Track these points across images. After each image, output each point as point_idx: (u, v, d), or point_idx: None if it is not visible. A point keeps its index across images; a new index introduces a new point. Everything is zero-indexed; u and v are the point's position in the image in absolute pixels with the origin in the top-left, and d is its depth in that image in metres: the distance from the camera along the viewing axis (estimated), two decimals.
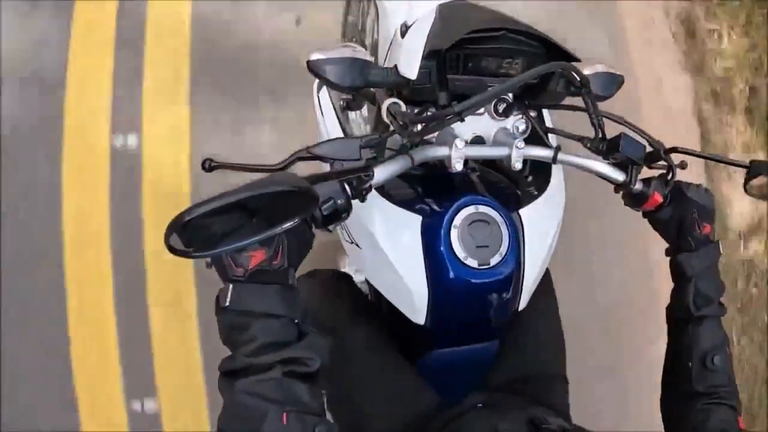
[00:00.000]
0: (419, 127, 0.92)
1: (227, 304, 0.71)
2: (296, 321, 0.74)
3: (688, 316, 0.97)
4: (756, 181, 1.00)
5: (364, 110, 1.50)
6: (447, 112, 0.88)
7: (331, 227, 0.84)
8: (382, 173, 0.87)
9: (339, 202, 0.81)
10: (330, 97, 1.29)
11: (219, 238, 0.67)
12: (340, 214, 0.82)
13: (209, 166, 0.75)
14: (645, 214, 1.05)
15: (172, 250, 0.64)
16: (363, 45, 1.66)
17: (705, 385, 0.93)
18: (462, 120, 0.91)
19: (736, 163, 1.02)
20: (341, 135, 1.17)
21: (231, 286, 0.71)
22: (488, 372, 1.16)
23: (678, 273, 1.00)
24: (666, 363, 1.00)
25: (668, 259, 1.03)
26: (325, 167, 0.87)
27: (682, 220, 0.99)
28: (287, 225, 0.67)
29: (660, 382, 1.03)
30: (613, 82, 1.08)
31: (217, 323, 0.72)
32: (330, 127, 1.25)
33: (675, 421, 0.95)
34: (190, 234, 0.66)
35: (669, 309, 1.01)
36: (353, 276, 1.36)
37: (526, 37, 1.00)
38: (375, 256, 1.07)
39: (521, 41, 1.02)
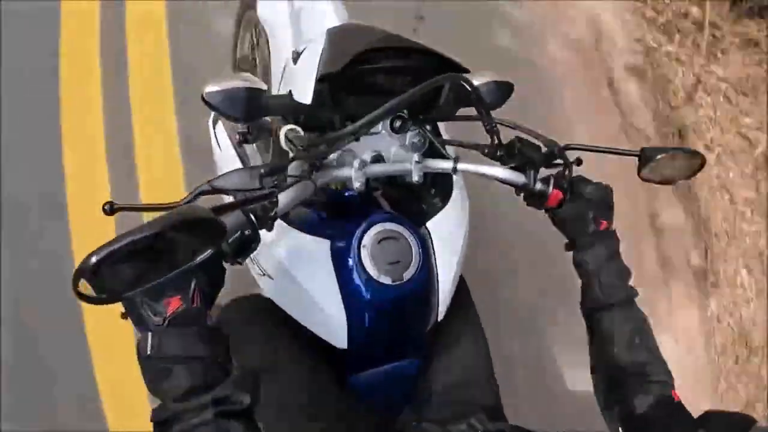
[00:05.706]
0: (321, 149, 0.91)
1: (149, 352, 0.68)
2: (220, 359, 0.72)
3: (600, 306, 1.00)
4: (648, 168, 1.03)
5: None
6: (340, 133, 0.89)
7: (241, 259, 0.82)
8: (285, 200, 0.87)
9: (246, 232, 0.80)
10: (227, 131, 1.27)
11: (130, 284, 0.65)
12: (249, 244, 0.81)
13: (110, 208, 0.72)
14: (546, 212, 1.09)
15: (82, 296, 0.61)
16: (256, 74, 1.65)
17: (632, 366, 0.96)
18: (357, 139, 0.92)
19: (628, 152, 1.06)
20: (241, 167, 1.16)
21: (150, 333, 0.68)
22: (418, 385, 1.16)
23: (580, 270, 1.04)
24: (591, 354, 1.02)
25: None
26: (229, 201, 0.86)
27: (579, 219, 1.03)
28: (199, 259, 0.66)
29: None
30: (503, 90, 1.10)
31: (142, 373, 0.69)
32: (229, 162, 1.23)
33: (613, 410, 0.97)
34: (100, 282, 0.64)
35: (582, 304, 1.05)
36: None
37: (413, 53, 1.03)
38: (288, 285, 1.05)
39: (411, 57, 1.04)
